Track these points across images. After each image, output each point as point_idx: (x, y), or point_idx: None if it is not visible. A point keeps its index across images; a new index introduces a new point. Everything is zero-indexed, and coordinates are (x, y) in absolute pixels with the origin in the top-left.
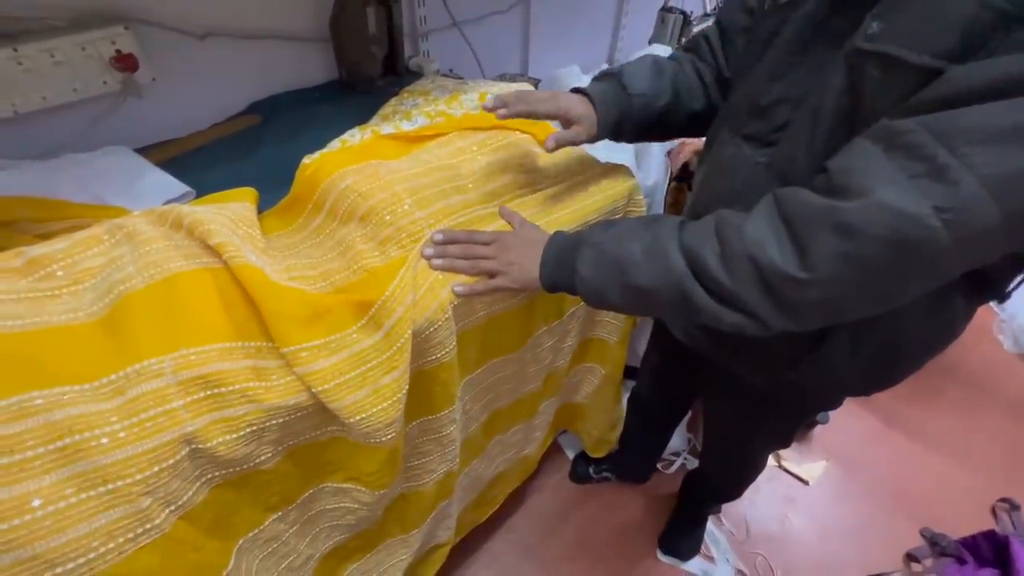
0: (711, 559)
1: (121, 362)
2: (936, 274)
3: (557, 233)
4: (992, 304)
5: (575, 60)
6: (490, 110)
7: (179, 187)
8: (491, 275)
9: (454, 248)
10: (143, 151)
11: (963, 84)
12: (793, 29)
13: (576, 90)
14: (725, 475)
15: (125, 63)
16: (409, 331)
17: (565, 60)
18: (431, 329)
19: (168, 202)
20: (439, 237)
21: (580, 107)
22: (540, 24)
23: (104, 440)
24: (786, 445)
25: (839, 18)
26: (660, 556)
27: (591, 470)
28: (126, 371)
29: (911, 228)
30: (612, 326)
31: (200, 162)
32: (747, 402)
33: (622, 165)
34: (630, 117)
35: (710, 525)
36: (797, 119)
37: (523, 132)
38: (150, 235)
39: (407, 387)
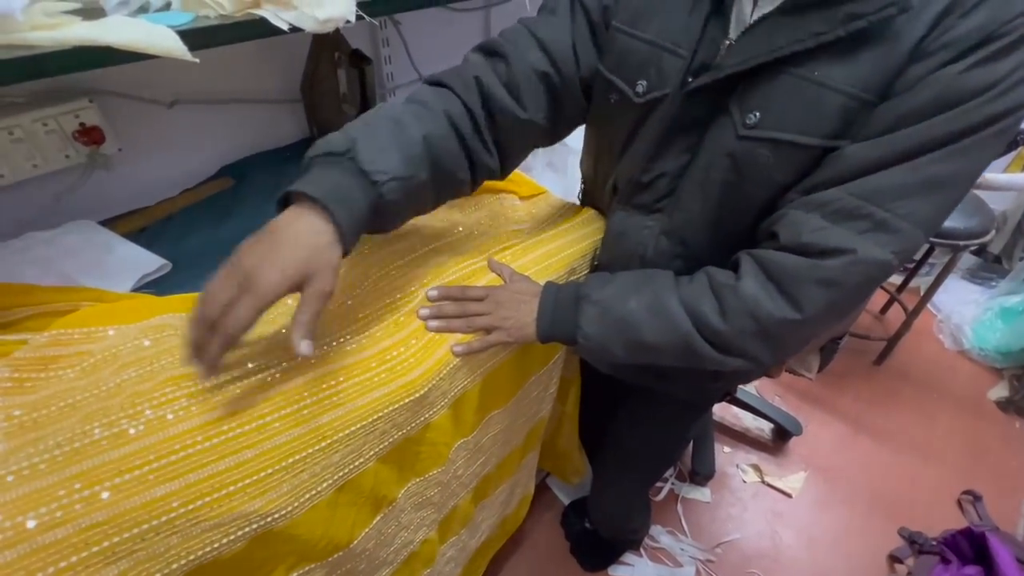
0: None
1: None
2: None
3: (549, 284)
4: (929, 306)
5: None
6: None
7: (153, 260)
8: (487, 331)
9: (449, 307)
10: (109, 223)
11: (865, 158)
12: (657, 124)
13: (288, 196)
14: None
15: (90, 136)
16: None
17: None
18: (425, 389)
19: (144, 277)
20: (433, 293)
21: (292, 257)
22: None
23: None
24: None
25: (694, 108)
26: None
27: (586, 523)
28: None
29: (880, 271)
30: (573, 362)
31: (173, 231)
32: (670, 410)
33: (590, 208)
34: (385, 213)
35: (668, 538)
36: (681, 190)
37: (502, 190)
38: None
39: None
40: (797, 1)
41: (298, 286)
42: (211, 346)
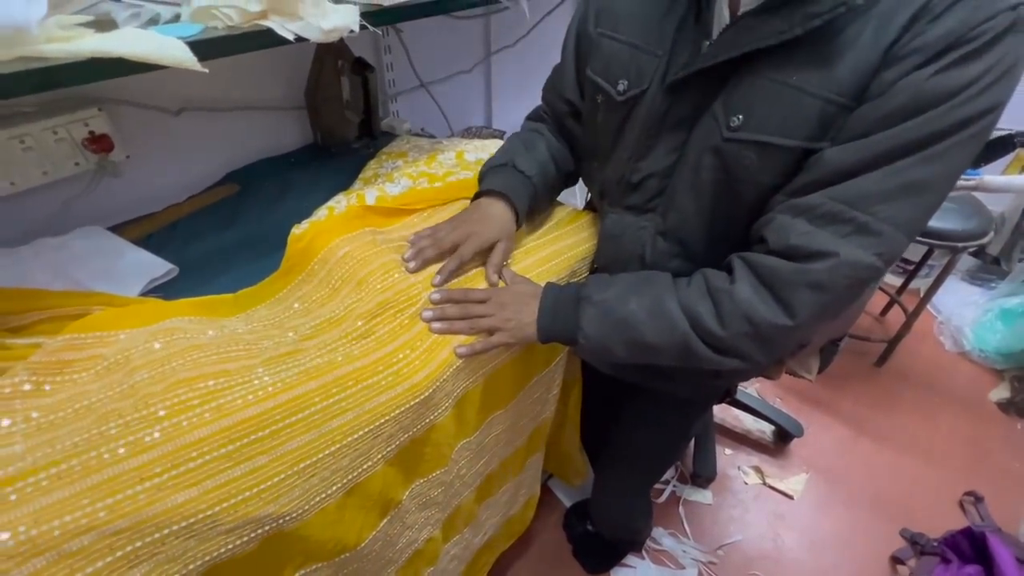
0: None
1: None
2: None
3: (549, 286)
4: (929, 307)
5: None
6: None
7: (161, 265)
8: (489, 332)
9: (452, 309)
10: (118, 229)
11: (843, 161)
12: (641, 121)
13: (482, 193)
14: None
15: (100, 144)
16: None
17: (526, 110)
18: (430, 391)
19: (152, 281)
20: (436, 296)
21: (494, 225)
22: (501, 79)
23: None
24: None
25: (678, 106)
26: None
27: (588, 526)
28: None
29: (865, 272)
30: (574, 364)
31: (180, 236)
32: (671, 409)
33: (589, 212)
34: (536, 198)
35: (670, 540)
36: (672, 190)
37: None
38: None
39: None
40: (765, 3)
41: (493, 244)
42: (427, 252)
